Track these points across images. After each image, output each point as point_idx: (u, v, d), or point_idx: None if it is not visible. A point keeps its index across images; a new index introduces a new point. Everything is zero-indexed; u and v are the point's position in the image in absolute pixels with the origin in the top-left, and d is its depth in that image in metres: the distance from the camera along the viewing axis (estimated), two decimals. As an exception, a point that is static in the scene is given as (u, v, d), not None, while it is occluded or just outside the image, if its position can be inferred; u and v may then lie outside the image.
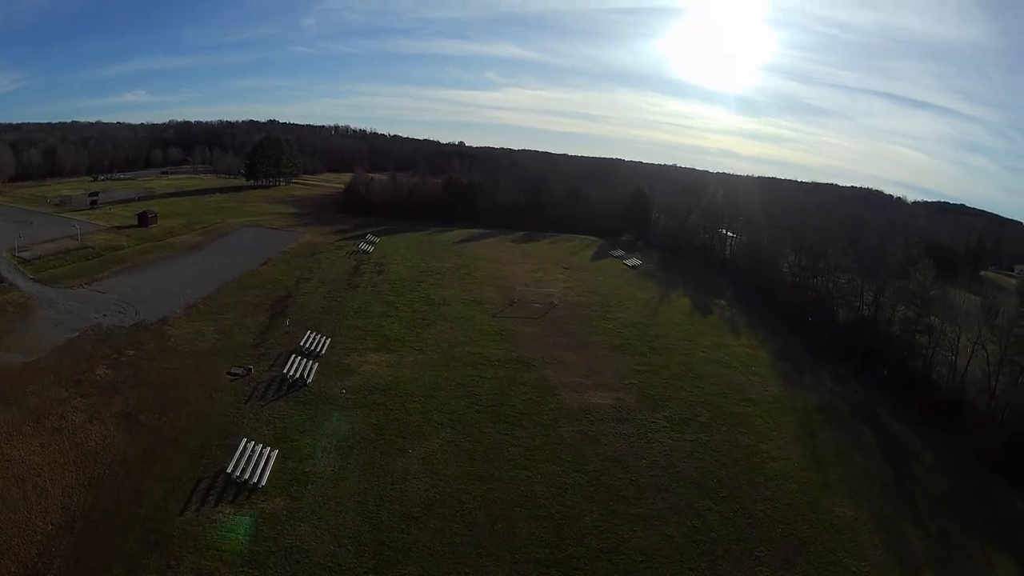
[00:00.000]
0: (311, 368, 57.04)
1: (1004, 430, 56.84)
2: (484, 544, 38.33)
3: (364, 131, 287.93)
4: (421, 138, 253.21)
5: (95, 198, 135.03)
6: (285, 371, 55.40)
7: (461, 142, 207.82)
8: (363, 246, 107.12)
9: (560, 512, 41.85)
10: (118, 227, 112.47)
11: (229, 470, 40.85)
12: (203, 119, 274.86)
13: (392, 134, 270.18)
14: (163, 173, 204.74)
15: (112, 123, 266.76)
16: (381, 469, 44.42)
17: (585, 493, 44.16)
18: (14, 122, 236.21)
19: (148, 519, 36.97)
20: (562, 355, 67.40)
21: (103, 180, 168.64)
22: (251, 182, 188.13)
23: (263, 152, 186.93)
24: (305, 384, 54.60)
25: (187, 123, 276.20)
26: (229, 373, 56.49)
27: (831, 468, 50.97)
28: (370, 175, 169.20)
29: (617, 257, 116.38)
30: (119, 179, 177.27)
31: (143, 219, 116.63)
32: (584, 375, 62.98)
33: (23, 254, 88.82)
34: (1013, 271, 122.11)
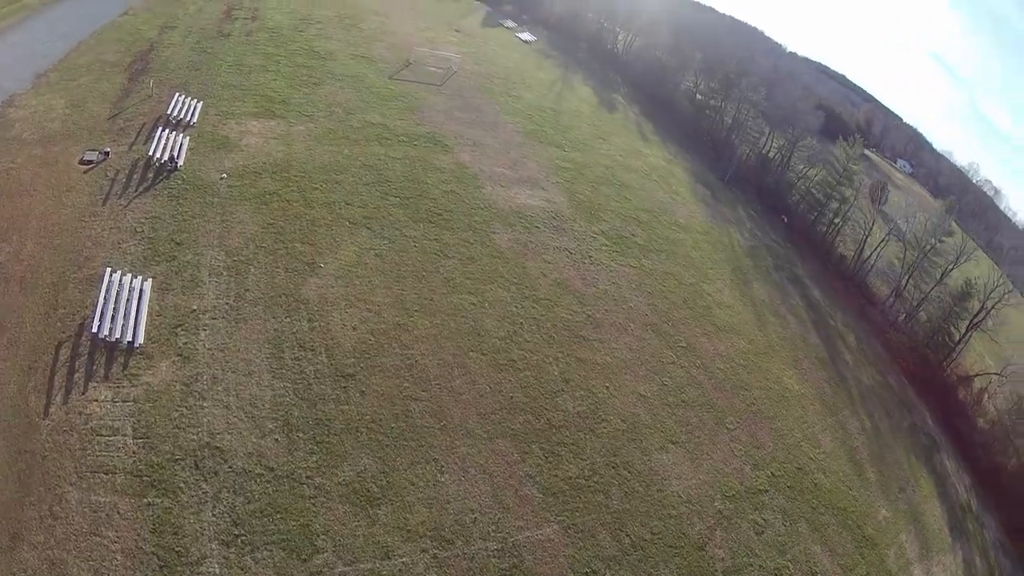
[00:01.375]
0: (181, 144, 41.31)
1: (910, 335, 57.80)
2: (446, 412, 29.48)
3: None
4: None
5: None
6: (150, 151, 39.52)
7: None
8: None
9: (522, 359, 33.74)
10: None
11: (94, 328, 27.12)
12: None
13: None
14: None
15: None
16: (291, 297, 32.35)
17: (544, 331, 36.12)
18: None
19: (9, 434, 23.78)
20: (475, 135, 54.68)
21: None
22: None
23: None
24: (176, 167, 39.37)
25: None
26: (82, 161, 39.47)
27: (771, 328, 47.91)
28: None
29: (509, 28, 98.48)
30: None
31: None
32: (506, 165, 51.59)
33: None
34: (896, 163, 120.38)
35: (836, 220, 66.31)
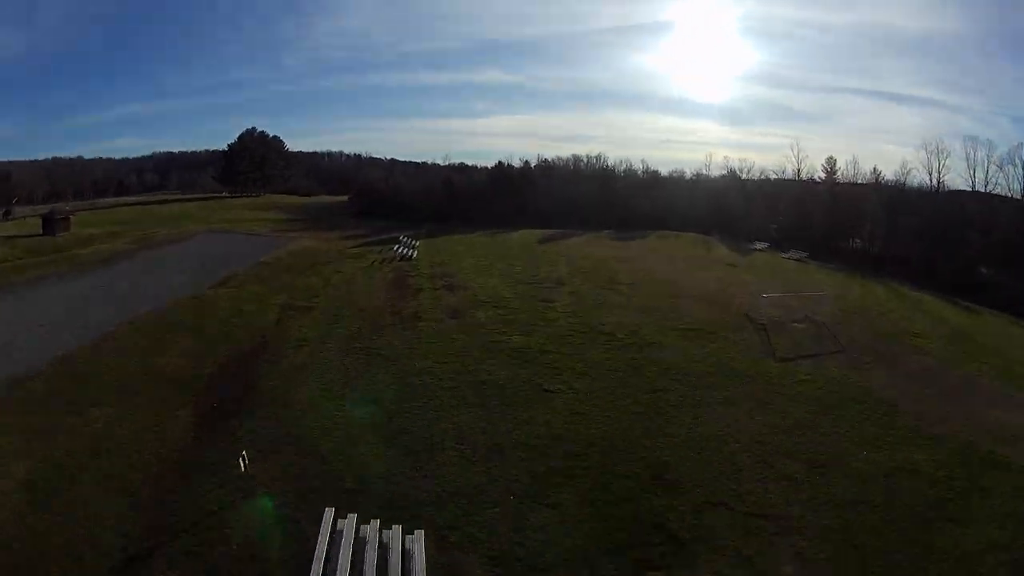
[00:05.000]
0: None
1: None
2: None
3: (359, 155, 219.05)
4: (419, 161, 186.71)
5: (7, 209, 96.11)
6: None
7: (463, 163, 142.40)
8: (401, 250, 56.58)
9: None
10: (11, 236, 66.30)
11: None
12: (187, 149, 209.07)
13: (390, 158, 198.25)
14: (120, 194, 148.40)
15: (92, 158, 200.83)
16: None
17: None
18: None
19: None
20: (998, 420, 24.06)
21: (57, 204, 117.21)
22: (226, 193, 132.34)
23: (244, 150, 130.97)
24: None
25: (169, 153, 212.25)
26: None
27: None
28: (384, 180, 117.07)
29: (762, 250, 72.51)
30: (73, 201, 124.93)
31: (48, 224, 70.49)
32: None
33: None
34: None
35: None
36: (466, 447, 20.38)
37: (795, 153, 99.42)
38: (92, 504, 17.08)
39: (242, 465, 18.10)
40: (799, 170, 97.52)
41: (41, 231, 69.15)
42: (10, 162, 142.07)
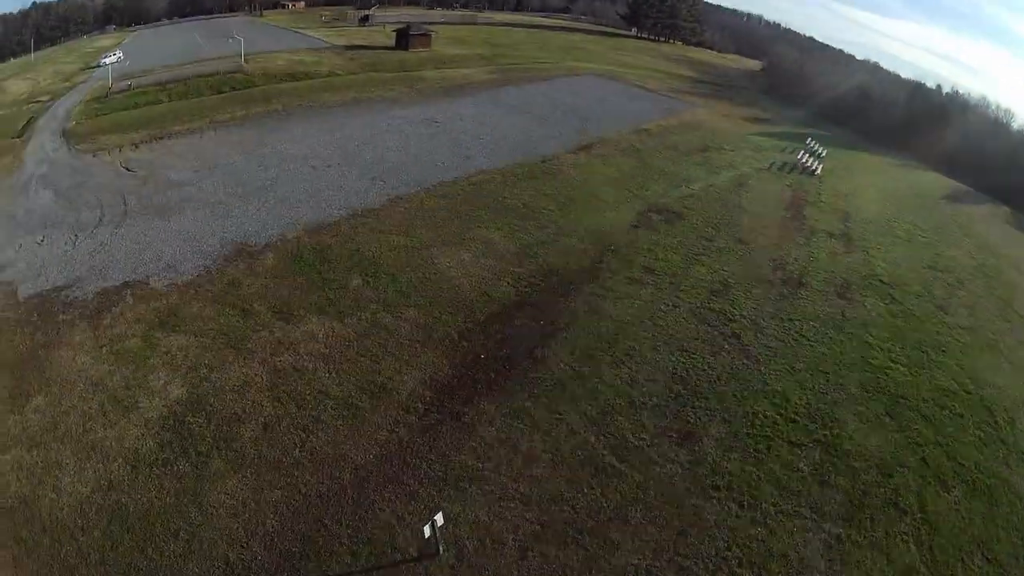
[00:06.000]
0: None
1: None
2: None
3: (779, 24, 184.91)
4: (837, 48, 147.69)
5: (367, 15, 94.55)
6: None
7: (877, 63, 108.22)
8: (804, 159, 43.07)
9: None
10: (361, 46, 62.71)
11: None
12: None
13: (808, 35, 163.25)
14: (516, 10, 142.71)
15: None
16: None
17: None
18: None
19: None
20: None
21: (437, 9, 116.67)
22: (634, 31, 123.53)
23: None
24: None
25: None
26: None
27: None
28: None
29: None
30: (455, 10, 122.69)
31: (403, 38, 65.55)
32: None
33: (124, 83, 46.70)
34: None
35: None
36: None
37: None
38: (226, 502, 13.60)
39: (427, 531, 12.33)
40: None
41: (394, 44, 64.42)
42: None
